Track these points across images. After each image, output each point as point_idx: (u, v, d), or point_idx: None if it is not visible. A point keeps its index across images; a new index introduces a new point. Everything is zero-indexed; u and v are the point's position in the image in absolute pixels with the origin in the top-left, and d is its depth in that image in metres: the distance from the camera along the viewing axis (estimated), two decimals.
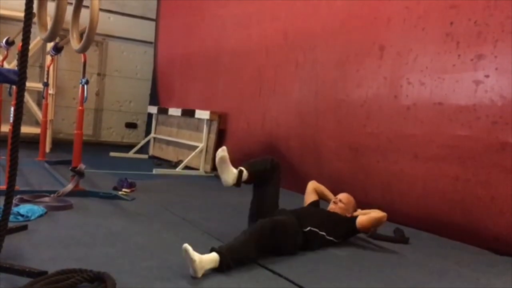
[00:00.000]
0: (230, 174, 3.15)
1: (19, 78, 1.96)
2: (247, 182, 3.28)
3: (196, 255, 2.42)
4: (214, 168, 6.77)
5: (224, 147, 3.19)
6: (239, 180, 3.18)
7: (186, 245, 2.42)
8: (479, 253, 3.53)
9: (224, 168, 3.15)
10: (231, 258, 2.56)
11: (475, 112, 3.61)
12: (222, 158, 3.13)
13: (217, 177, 3.29)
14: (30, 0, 2.03)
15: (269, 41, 6.07)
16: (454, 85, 3.78)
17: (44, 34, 3.18)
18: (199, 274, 2.42)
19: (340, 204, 3.52)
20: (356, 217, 3.36)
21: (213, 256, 2.52)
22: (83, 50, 3.52)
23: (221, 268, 2.52)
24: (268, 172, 3.34)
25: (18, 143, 1.98)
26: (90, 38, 3.21)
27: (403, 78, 4.20)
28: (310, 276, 2.67)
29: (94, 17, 3.07)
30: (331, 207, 3.56)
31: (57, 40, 6.95)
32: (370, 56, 4.55)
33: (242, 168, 3.22)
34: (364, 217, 3.32)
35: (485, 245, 3.60)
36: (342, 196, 3.60)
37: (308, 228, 3.14)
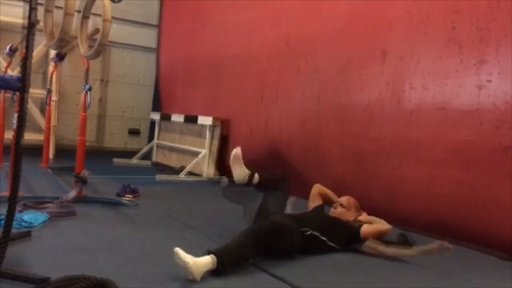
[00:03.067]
0: (242, 172, 3.44)
1: (22, 84, 1.97)
2: (257, 187, 3.47)
3: (188, 257, 2.41)
4: (218, 174, 6.78)
5: (239, 147, 3.52)
6: (250, 180, 3.44)
7: (177, 249, 2.42)
8: (483, 258, 3.50)
9: (237, 166, 3.45)
10: (227, 260, 2.55)
11: (478, 117, 3.60)
12: (235, 156, 3.44)
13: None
14: (32, 7, 2.04)
15: (271, 47, 6.08)
16: (457, 90, 3.77)
17: (51, 42, 3.19)
18: (198, 277, 2.41)
19: (340, 209, 3.51)
20: (360, 225, 3.34)
21: (209, 259, 2.51)
22: (95, 56, 3.52)
23: (218, 270, 2.51)
24: (279, 183, 3.54)
25: (21, 149, 1.99)
26: (102, 43, 3.22)
27: (405, 83, 4.20)
28: (312, 280, 2.66)
29: (107, 25, 3.08)
30: (333, 211, 3.55)
31: None
32: (373, 61, 4.55)
33: (254, 172, 3.48)
34: (370, 228, 3.28)
35: (490, 249, 3.58)
36: (342, 199, 3.59)
37: (309, 232, 3.12)
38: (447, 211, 3.86)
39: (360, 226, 3.32)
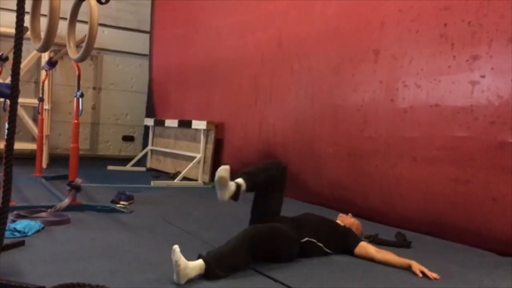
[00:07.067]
0: (227, 191, 2.95)
1: (12, 90, 1.94)
2: (247, 191, 3.12)
3: (182, 261, 2.39)
4: (212, 179, 6.75)
5: (227, 167, 2.95)
6: (236, 195, 2.99)
7: (175, 246, 2.40)
8: (482, 255, 3.49)
9: (221, 186, 2.95)
10: (218, 268, 2.52)
11: (473, 113, 3.59)
12: (221, 179, 2.92)
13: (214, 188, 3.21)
14: (21, 12, 2.01)
15: (264, 49, 6.07)
16: (450, 87, 3.77)
17: (38, 45, 3.17)
18: (182, 281, 2.39)
19: (350, 219, 3.50)
20: (359, 239, 3.28)
21: (199, 264, 2.49)
22: (83, 58, 3.50)
23: (207, 275, 2.50)
24: (272, 179, 3.17)
25: (12, 156, 1.95)
26: (90, 45, 3.20)
27: (399, 81, 4.19)
28: (312, 282, 2.63)
29: (94, 25, 3.06)
30: (342, 216, 3.55)
31: (51, 54, 6.96)
32: (365, 60, 4.54)
33: (240, 182, 3.02)
34: (366, 251, 3.15)
35: (488, 246, 3.57)
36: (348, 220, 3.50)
37: (306, 239, 3.08)
38: (445, 209, 3.84)
39: (360, 240, 3.26)
